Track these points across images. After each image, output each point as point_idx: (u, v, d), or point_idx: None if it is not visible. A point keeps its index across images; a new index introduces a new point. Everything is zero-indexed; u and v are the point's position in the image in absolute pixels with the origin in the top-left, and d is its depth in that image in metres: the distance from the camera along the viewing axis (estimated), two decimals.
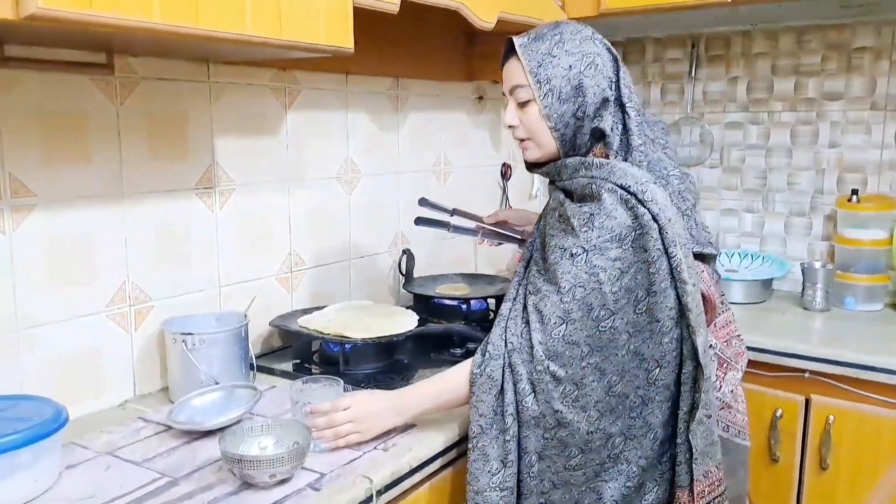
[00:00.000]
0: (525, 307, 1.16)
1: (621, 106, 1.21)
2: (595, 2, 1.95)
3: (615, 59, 1.22)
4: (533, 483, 1.16)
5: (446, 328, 1.63)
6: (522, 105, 1.22)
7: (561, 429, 1.13)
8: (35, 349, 1.21)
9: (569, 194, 1.20)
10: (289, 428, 1.12)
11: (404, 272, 1.94)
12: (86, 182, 1.26)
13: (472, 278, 2.00)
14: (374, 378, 1.43)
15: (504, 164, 2.38)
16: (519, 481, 1.16)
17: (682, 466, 1.17)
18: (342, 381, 1.22)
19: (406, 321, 1.55)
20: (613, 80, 1.20)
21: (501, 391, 1.14)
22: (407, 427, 1.22)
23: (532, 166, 1.30)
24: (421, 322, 1.57)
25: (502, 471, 1.14)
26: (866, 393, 1.61)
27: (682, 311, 1.13)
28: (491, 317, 1.86)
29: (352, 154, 1.80)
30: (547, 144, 1.23)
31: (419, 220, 1.64)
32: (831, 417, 1.64)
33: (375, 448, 1.15)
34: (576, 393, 1.12)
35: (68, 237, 1.24)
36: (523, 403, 1.13)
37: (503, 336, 1.16)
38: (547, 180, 1.29)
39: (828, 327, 1.83)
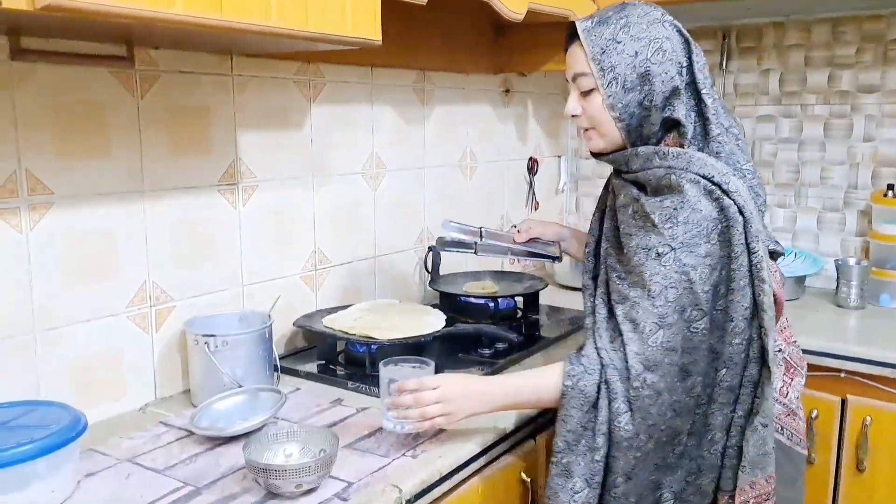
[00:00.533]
0: (610, 317, 1.11)
1: (696, 92, 1.14)
2: None
3: (687, 42, 1.14)
4: (614, 502, 1.11)
5: (475, 328, 1.58)
6: (585, 94, 1.16)
7: (651, 441, 1.09)
8: (53, 351, 1.18)
9: (641, 187, 1.14)
10: (315, 434, 1.08)
11: (430, 270, 1.89)
12: (105, 178, 1.22)
13: (499, 276, 1.94)
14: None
15: (531, 159, 2.32)
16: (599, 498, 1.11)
17: (728, 471, 1.13)
18: (433, 363, 1.17)
19: (433, 321, 1.51)
20: (685, 65, 1.13)
21: (594, 407, 1.08)
22: (437, 432, 1.17)
23: (598, 154, 1.23)
24: (448, 321, 1.52)
25: (585, 490, 1.09)
26: None
27: (755, 311, 1.08)
28: (518, 315, 1.81)
29: (377, 149, 1.76)
30: (611, 134, 1.17)
31: (440, 242, 1.54)
32: (868, 418, 1.59)
33: (404, 455, 1.10)
34: (670, 400, 1.08)
35: (87, 235, 1.21)
36: (616, 422, 1.07)
37: (596, 350, 1.10)
38: (604, 172, 1.27)
39: (863, 325, 1.79)
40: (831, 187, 2.11)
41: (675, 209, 1.07)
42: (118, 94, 1.23)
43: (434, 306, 1.67)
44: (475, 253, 1.49)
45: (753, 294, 1.08)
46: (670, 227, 1.07)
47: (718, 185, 1.07)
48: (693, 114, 1.14)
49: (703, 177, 1.08)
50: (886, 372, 1.56)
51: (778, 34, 2.13)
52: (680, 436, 1.11)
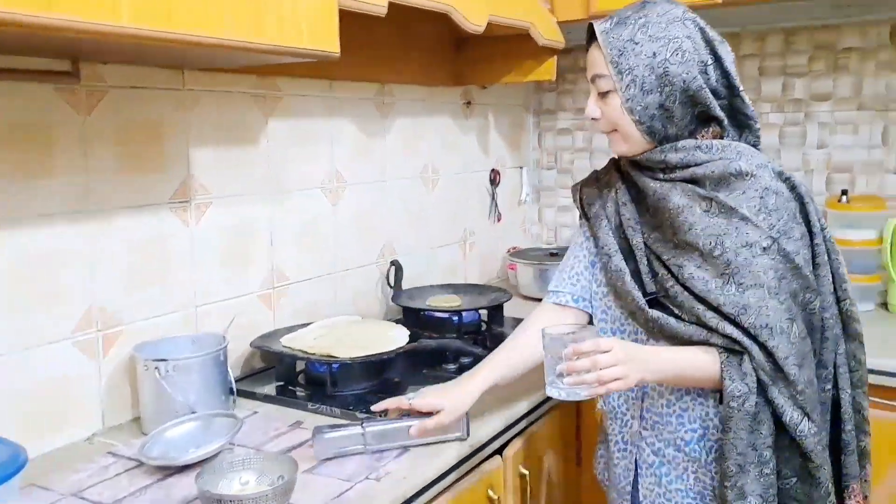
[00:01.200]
0: (730, 330, 1.05)
1: (728, 87, 1.11)
2: (584, 4, 1.90)
3: (709, 40, 1.10)
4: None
5: (440, 343, 1.56)
6: (604, 95, 1.12)
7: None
8: None
9: (697, 182, 1.10)
10: (272, 460, 1.04)
11: (393, 284, 1.86)
12: (49, 198, 1.17)
13: (462, 289, 1.92)
14: (364, 399, 1.35)
15: (493, 170, 2.32)
16: None
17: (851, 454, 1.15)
18: (595, 326, 1.12)
19: (396, 336, 1.48)
20: (709, 62, 1.09)
21: (758, 422, 1.05)
22: (400, 452, 1.14)
23: (631, 159, 1.17)
24: (412, 337, 1.49)
25: None
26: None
27: (836, 283, 1.12)
28: (483, 328, 1.79)
29: (337, 163, 1.72)
30: (634, 136, 1.12)
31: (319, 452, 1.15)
32: None
33: (367, 478, 1.07)
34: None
35: (29, 259, 1.15)
36: (799, 432, 1.05)
37: (753, 368, 1.05)
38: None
39: None
40: None
41: (761, 198, 1.06)
42: (63, 112, 1.18)
43: (397, 321, 1.64)
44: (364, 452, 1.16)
45: (831, 267, 1.11)
46: (765, 217, 1.06)
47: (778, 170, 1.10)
48: (725, 109, 1.13)
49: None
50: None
51: (733, 44, 2.12)
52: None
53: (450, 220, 2.15)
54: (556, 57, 1.96)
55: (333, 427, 1.15)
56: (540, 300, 2.11)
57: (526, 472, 1.34)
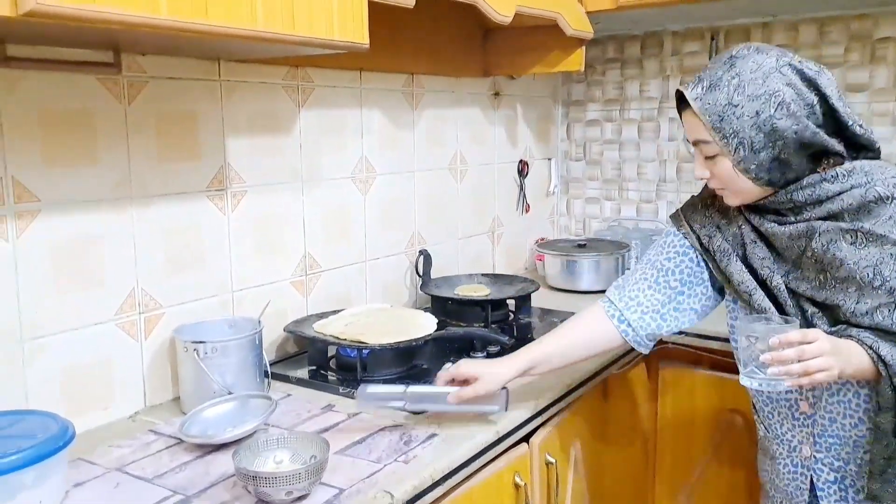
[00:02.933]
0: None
1: (837, 122, 1.08)
2: None
3: (810, 80, 1.06)
4: None
5: (467, 331, 1.58)
6: (711, 157, 1.11)
7: None
8: (41, 360, 1.17)
9: (833, 217, 1.08)
10: (305, 440, 1.07)
11: (421, 273, 1.89)
12: (92, 185, 1.22)
13: (491, 278, 1.94)
14: (393, 384, 1.37)
15: (521, 161, 2.33)
16: None
17: None
18: (798, 320, 1.09)
19: (425, 324, 1.50)
20: (815, 102, 1.06)
21: None
22: (429, 436, 1.17)
23: (752, 204, 1.15)
24: (440, 325, 1.52)
25: None
26: None
27: None
28: (510, 317, 1.81)
29: (366, 153, 1.75)
30: (747, 191, 1.11)
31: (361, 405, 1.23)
32: None
33: (396, 460, 1.10)
34: None
35: (74, 243, 1.20)
36: None
37: None
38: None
39: None
40: None
41: None
42: (105, 101, 1.22)
43: (426, 310, 1.67)
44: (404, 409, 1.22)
45: None
46: None
47: None
48: (839, 136, 1.10)
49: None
50: None
51: (766, 35, 2.13)
52: None
53: (478, 211, 2.17)
54: (584, 47, 1.96)
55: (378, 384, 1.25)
56: (567, 291, 2.13)
57: (553, 461, 1.36)
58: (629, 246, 2.19)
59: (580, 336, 1.28)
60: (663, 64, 2.32)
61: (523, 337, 1.69)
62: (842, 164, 1.09)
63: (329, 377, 1.44)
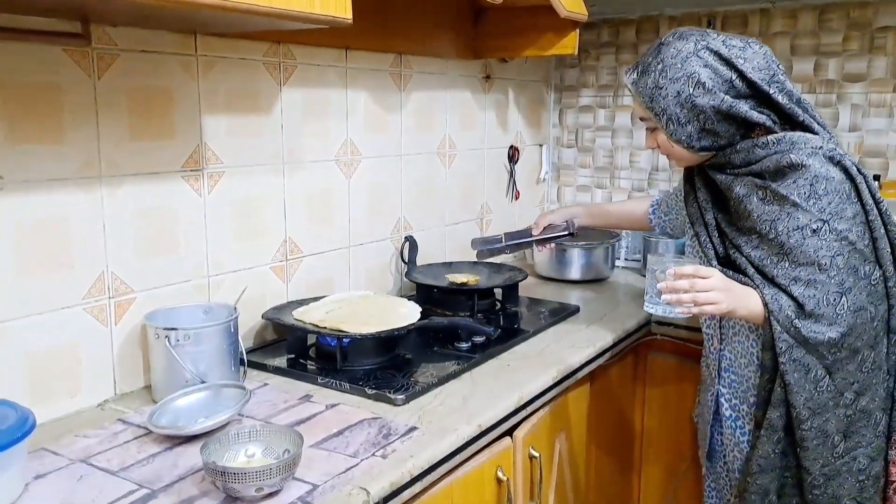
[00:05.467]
0: (789, 300, 1.18)
1: (757, 93, 1.22)
2: None
3: (726, 59, 1.21)
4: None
5: (451, 321, 1.53)
6: (652, 130, 1.32)
7: (862, 398, 1.20)
8: (5, 346, 1.11)
9: (757, 176, 1.23)
10: (278, 434, 1.03)
11: (407, 260, 1.84)
12: (59, 163, 1.16)
13: (477, 266, 1.90)
14: (374, 375, 1.33)
15: (511, 147, 2.28)
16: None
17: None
18: (698, 260, 1.29)
19: (408, 313, 1.46)
20: (734, 78, 1.21)
21: (815, 376, 1.17)
22: (409, 429, 1.13)
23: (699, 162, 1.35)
24: (424, 314, 1.47)
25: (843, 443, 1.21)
26: None
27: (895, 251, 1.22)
28: (497, 307, 1.77)
29: (352, 135, 1.70)
30: (686, 158, 1.31)
31: (480, 255, 1.74)
32: None
33: (373, 455, 1.06)
34: (872, 356, 1.20)
35: (40, 224, 1.14)
36: (820, 387, 1.17)
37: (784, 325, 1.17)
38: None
39: None
40: None
41: (811, 185, 1.17)
42: (73, 75, 1.16)
43: (410, 298, 1.62)
44: (507, 251, 1.75)
45: (890, 238, 1.21)
46: (814, 202, 1.17)
47: (830, 153, 1.19)
48: (765, 108, 1.24)
49: (815, 148, 1.19)
50: None
51: (763, 21, 2.09)
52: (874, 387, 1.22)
53: (466, 197, 2.12)
54: (578, 30, 1.91)
55: (487, 241, 1.73)
56: (556, 280, 2.10)
57: (537, 455, 1.32)
58: (619, 235, 2.15)
59: (629, 212, 1.72)
60: None
61: (510, 327, 1.65)
62: (774, 133, 1.24)
63: (308, 366, 1.40)
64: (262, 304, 1.49)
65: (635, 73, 1.28)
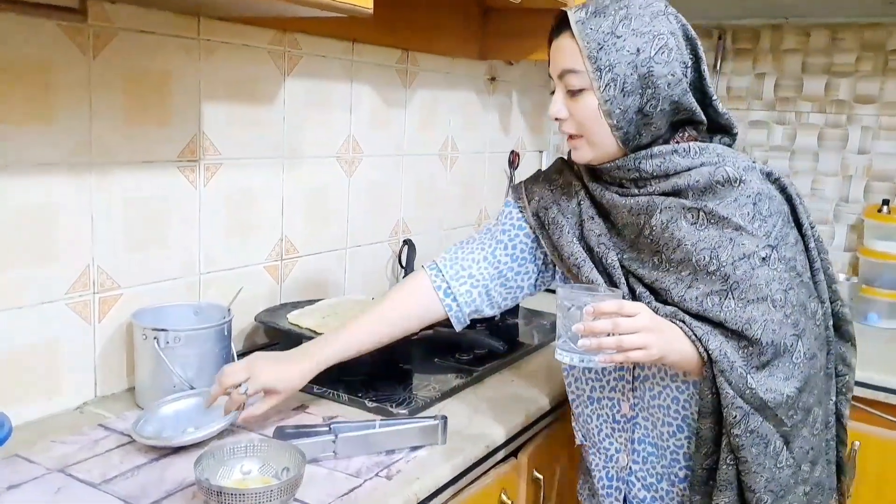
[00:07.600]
0: (734, 344, 0.94)
1: (703, 91, 1.02)
2: None
3: (691, 38, 1.00)
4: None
5: (458, 333, 1.46)
6: (574, 94, 0.99)
7: (815, 469, 1.02)
8: None
9: (674, 194, 0.99)
10: (278, 450, 0.95)
11: (405, 265, 1.77)
12: (47, 147, 1.07)
13: None
14: (373, 386, 1.26)
15: (512, 152, 2.22)
16: None
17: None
18: (622, 290, 1.00)
19: None
20: (690, 63, 0.99)
21: (774, 449, 0.95)
22: (413, 448, 1.06)
23: (593, 166, 1.06)
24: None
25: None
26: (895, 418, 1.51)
27: (828, 283, 1.05)
28: (496, 318, 1.70)
29: (354, 131, 1.62)
30: (603, 143, 1.00)
31: None
32: (856, 443, 1.51)
33: (377, 475, 0.99)
34: (821, 414, 1.02)
35: (22, 211, 1.05)
36: (780, 463, 0.95)
37: (736, 390, 0.92)
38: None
39: None
40: (822, 199, 2.05)
41: (754, 204, 0.97)
42: (67, 52, 1.08)
43: None
44: None
45: (825, 272, 1.05)
46: (760, 225, 0.96)
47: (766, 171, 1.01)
48: (699, 108, 1.02)
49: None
50: (878, 396, 1.51)
51: (775, 37, 2.06)
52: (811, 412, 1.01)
53: (465, 201, 2.06)
54: None
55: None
56: (554, 291, 2.04)
57: (540, 477, 1.26)
58: None
59: (399, 313, 1.16)
60: None
61: (510, 339, 1.59)
62: (696, 140, 1.03)
63: None
64: (253, 305, 1.41)
65: (584, 12, 0.98)
